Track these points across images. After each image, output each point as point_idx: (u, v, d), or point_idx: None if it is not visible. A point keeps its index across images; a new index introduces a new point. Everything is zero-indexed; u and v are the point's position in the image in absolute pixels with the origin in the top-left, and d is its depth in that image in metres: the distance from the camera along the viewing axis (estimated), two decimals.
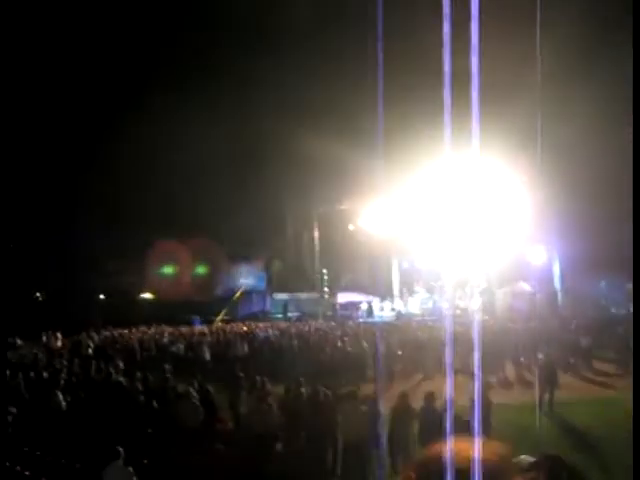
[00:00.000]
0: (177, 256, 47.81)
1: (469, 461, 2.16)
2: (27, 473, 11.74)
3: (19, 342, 30.37)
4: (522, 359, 25.18)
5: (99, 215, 45.07)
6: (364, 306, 45.18)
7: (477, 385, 3.32)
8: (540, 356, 22.55)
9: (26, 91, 40.43)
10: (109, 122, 43.02)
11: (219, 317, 43.06)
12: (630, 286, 34.65)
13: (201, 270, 49.63)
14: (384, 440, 12.61)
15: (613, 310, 34.40)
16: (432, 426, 11.09)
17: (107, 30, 38.66)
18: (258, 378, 16.49)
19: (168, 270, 49.80)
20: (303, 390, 15.33)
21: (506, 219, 35.46)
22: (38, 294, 55.18)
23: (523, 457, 3.01)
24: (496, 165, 31.51)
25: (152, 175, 42.66)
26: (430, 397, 12.63)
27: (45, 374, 19.50)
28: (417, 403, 13.05)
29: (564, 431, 16.37)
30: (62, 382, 17.59)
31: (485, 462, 2.15)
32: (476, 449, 2.19)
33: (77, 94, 41.67)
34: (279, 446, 13.80)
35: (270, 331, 32.57)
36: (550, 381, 18.74)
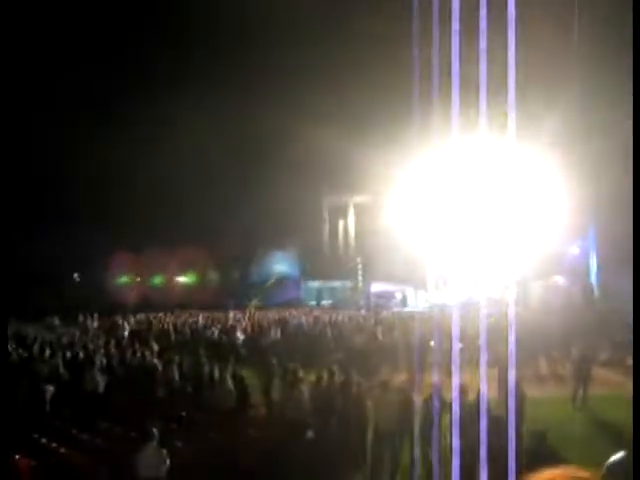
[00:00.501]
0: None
1: None
2: (62, 450, 11.95)
3: (56, 322, 30.86)
4: (555, 353, 24.97)
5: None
6: (399, 295, 45.10)
7: (511, 378, 3.33)
8: (574, 350, 22.37)
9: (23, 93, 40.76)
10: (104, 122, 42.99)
11: (252, 303, 43.27)
12: None
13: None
14: (417, 430, 12.62)
15: None
16: (464, 419, 11.05)
17: (104, 30, 38.85)
18: (290, 365, 16.58)
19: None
20: (336, 378, 15.37)
21: (543, 211, 35.13)
22: (75, 275, 55.88)
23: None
24: (534, 156, 31.17)
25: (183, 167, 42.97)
26: (463, 390, 12.58)
27: (81, 354, 19.81)
28: (450, 395, 13.01)
29: (595, 426, 16.26)
30: (98, 363, 17.82)
31: None
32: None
33: (70, 91, 41.85)
34: (310, 433, 13.87)
35: (303, 318, 32.70)
36: (584, 376, 18.60)
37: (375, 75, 36.57)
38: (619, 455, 2.59)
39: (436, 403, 11.85)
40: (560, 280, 38.85)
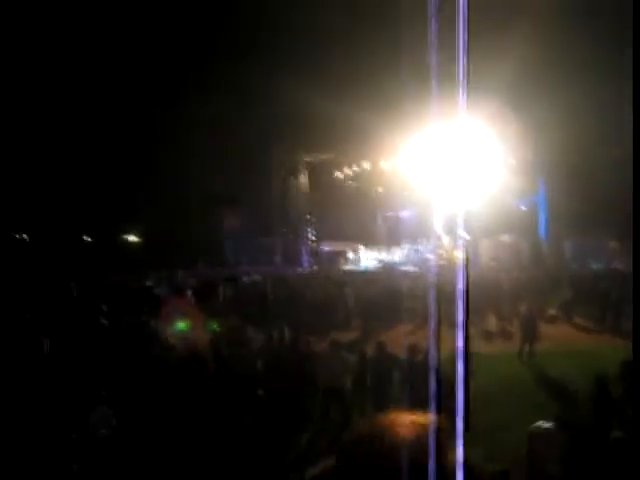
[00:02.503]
0: None
1: (404, 442, 1.94)
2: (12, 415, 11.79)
3: None
4: (503, 310, 25.37)
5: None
6: (350, 254, 45.22)
7: (460, 336, 3.30)
8: (522, 307, 22.76)
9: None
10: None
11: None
12: (613, 244, 34.93)
13: None
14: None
15: (594, 266, 34.56)
16: (413, 378, 11.18)
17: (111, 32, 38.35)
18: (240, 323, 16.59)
19: None
20: (286, 336, 15.43)
21: (491, 171, 35.49)
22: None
23: (540, 423, 2.90)
24: (484, 120, 31.40)
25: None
26: (412, 348, 12.72)
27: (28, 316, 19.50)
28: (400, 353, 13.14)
29: (541, 381, 16.59)
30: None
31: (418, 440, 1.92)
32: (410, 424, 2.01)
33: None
34: (260, 391, 13.90)
35: (255, 276, 32.66)
36: (530, 332, 18.96)
37: (354, 39, 36.43)
38: (545, 425, 2.58)
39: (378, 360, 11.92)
40: (509, 237, 39.31)
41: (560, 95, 30.80)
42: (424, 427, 2.01)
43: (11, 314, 19.91)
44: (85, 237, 52.31)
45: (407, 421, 2.03)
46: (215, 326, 17.72)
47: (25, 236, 51.90)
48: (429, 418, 2.07)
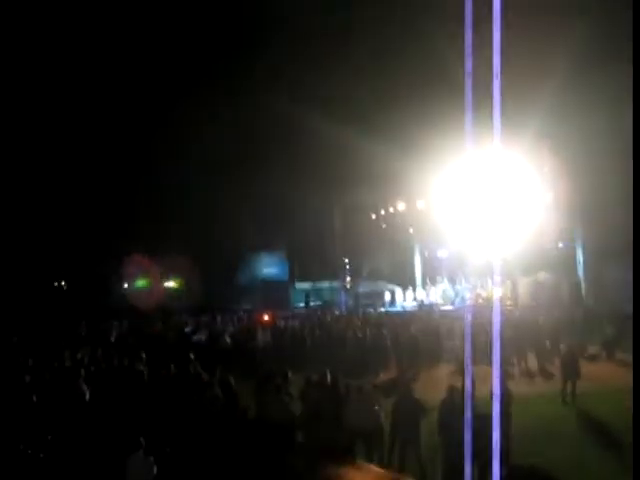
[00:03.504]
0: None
1: None
2: (51, 462, 11.84)
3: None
4: (544, 349, 24.99)
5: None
6: (387, 295, 45.08)
7: (497, 377, 3.25)
8: (562, 346, 22.39)
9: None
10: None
11: (242, 306, 43.12)
12: None
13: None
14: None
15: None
16: (452, 419, 11.01)
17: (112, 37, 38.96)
18: (277, 368, 16.53)
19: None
20: (326, 380, 15.31)
21: (529, 208, 35.24)
22: (62, 283, 55.69)
23: None
24: (518, 156, 31.32)
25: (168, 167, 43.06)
26: (452, 390, 12.55)
27: (68, 363, 19.64)
28: (439, 395, 12.97)
29: (584, 422, 16.27)
30: (84, 371, 17.64)
31: None
32: None
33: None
34: (299, 436, 13.81)
35: (292, 321, 32.62)
36: (572, 371, 18.60)
37: (384, 78, 36.73)
38: None
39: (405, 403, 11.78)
40: (547, 276, 38.90)
41: (597, 127, 30.64)
42: None
43: (51, 360, 20.12)
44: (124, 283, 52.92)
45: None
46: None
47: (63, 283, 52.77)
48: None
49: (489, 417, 2.81)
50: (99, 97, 42.15)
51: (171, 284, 53.90)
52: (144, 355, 21.33)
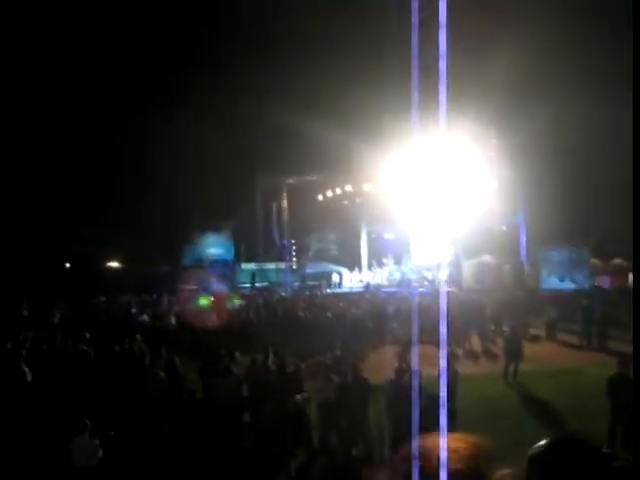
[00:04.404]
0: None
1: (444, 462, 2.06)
2: None
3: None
4: (487, 330, 25.42)
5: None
6: (335, 277, 45.28)
7: (444, 356, 3.30)
8: (505, 327, 22.82)
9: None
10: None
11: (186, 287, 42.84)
12: (594, 262, 35.16)
13: None
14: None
15: (576, 284, 34.67)
16: (400, 399, 11.15)
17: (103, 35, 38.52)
18: (223, 348, 16.50)
19: None
20: (270, 360, 15.36)
21: (473, 192, 35.71)
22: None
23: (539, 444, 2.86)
24: (465, 143, 31.68)
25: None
26: (399, 371, 12.70)
27: (9, 345, 19.27)
28: (385, 375, 13.10)
29: (527, 401, 16.61)
30: (25, 353, 17.34)
31: (464, 461, 2.03)
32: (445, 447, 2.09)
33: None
34: (246, 416, 13.83)
35: (238, 301, 32.57)
36: (515, 352, 18.97)
37: (332, 60, 36.72)
38: (542, 443, 2.55)
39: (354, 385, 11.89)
40: (491, 259, 39.50)
41: (542, 113, 31.10)
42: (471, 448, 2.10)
43: None
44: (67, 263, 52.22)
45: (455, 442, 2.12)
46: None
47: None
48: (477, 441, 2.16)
49: (435, 396, 2.85)
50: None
51: (115, 264, 53.36)
52: (88, 335, 21.09)
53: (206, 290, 37.56)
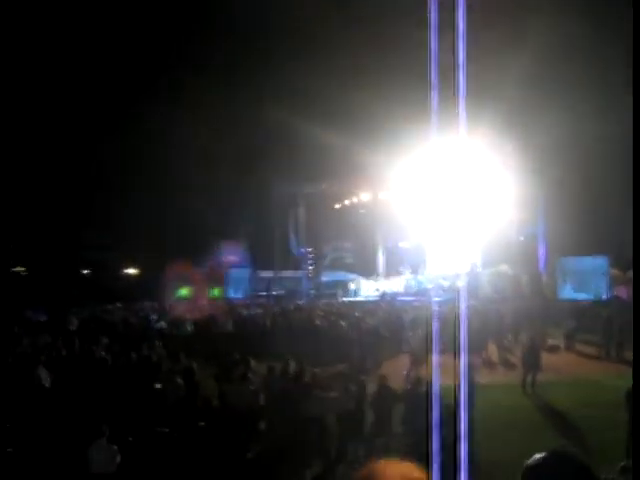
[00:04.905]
0: None
1: None
2: (9, 450, 11.71)
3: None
4: (505, 340, 25.30)
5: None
6: (351, 285, 45.19)
7: (462, 366, 3.31)
8: (523, 337, 22.70)
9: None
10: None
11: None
12: (614, 272, 34.89)
13: None
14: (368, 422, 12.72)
15: (595, 295, 34.42)
16: (417, 408, 11.13)
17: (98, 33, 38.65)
18: (240, 356, 16.54)
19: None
20: (290, 368, 15.36)
21: (492, 202, 35.60)
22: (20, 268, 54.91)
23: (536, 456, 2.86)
24: (483, 150, 31.60)
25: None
26: (416, 380, 12.70)
27: (28, 350, 19.41)
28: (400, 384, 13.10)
29: (544, 412, 16.52)
30: (44, 359, 17.46)
31: None
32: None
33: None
34: (262, 425, 13.82)
35: (255, 309, 32.64)
36: (533, 362, 18.87)
37: (346, 66, 36.67)
38: (538, 457, 2.53)
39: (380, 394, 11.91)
40: (509, 268, 39.30)
41: (561, 121, 30.96)
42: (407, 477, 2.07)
43: (9, 346, 19.90)
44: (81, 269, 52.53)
45: (397, 473, 2.10)
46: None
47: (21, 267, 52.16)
48: (421, 473, 2.13)
49: (453, 406, 2.85)
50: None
51: (132, 271, 53.62)
52: (105, 341, 21.21)
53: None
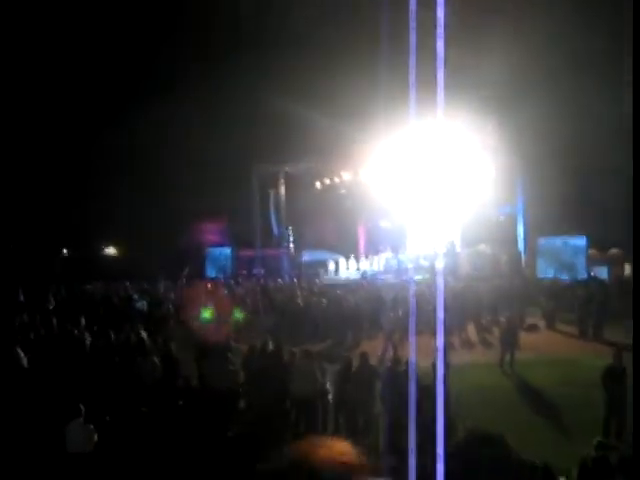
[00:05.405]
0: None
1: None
2: None
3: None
4: (484, 320, 25.44)
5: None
6: (332, 265, 45.20)
7: (440, 344, 3.27)
8: (501, 317, 22.83)
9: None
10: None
11: (184, 273, 42.79)
12: (592, 252, 35.14)
13: None
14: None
15: (573, 274, 34.64)
16: (393, 388, 11.18)
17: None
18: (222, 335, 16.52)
19: None
20: (268, 348, 15.35)
21: (471, 181, 35.69)
22: None
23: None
24: (462, 129, 31.60)
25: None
26: (395, 360, 12.74)
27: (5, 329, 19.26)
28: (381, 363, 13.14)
29: (521, 390, 16.65)
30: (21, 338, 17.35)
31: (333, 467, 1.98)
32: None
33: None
34: (242, 403, 13.83)
35: (236, 288, 32.59)
36: (511, 341, 18.98)
37: (325, 47, 36.53)
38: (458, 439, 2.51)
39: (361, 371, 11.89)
40: (488, 248, 39.44)
41: (540, 102, 30.99)
42: (342, 456, 2.05)
43: None
44: (64, 249, 52.16)
45: (326, 450, 2.06)
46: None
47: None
48: (347, 448, 2.10)
49: (430, 386, 2.83)
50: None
51: (111, 250, 53.36)
52: (84, 321, 21.10)
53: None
